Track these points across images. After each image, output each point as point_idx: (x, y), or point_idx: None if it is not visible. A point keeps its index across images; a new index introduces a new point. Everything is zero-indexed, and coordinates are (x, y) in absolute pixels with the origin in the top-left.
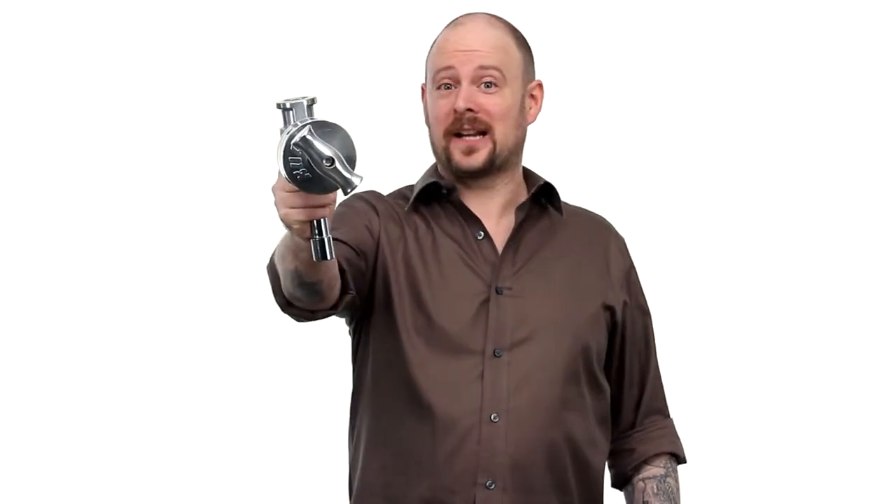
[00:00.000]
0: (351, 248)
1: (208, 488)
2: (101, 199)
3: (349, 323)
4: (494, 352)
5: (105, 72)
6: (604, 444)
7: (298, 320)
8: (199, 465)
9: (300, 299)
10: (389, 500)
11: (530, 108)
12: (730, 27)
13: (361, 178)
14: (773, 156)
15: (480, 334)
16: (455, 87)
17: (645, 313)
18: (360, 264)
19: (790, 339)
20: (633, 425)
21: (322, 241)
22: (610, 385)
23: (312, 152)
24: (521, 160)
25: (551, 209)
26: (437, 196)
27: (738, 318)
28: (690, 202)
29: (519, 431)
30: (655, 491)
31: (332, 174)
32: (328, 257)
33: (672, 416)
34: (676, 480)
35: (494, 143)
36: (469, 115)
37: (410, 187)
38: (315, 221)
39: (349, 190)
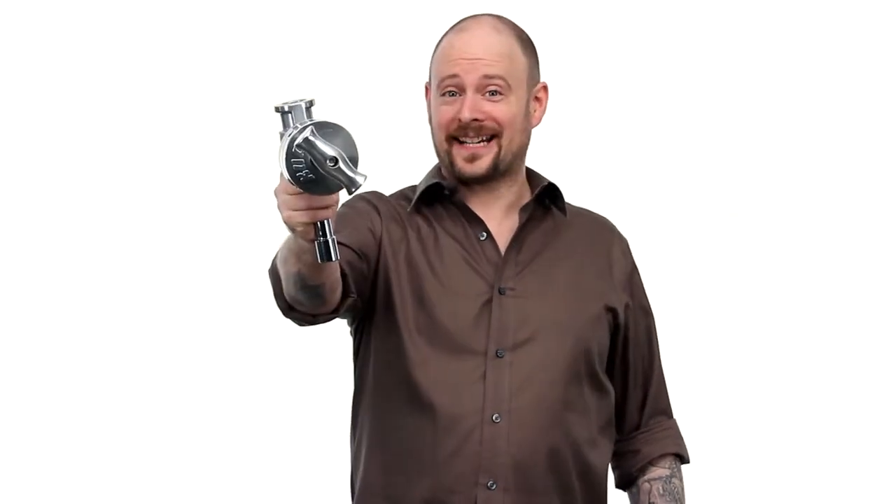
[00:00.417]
0: (353, 250)
1: (210, 488)
2: (103, 201)
3: (351, 323)
4: (497, 352)
5: (105, 72)
6: (606, 446)
7: (300, 324)
8: (200, 466)
9: (302, 303)
10: (390, 500)
11: (535, 111)
12: (730, 28)
13: (366, 177)
14: (773, 156)
15: (483, 335)
16: (460, 95)
17: (647, 314)
18: (361, 266)
19: (790, 339)
20: (637, 426)
21: (326, 242)
22: (614, 386)
23: (316, 153)
24: (524, 162)
25: (555, 210)
26: (440, 197)
27: (739, 318)
28: (690, 202)
29: (521, 432)
30: (661, 492)
31: (336, 174)
32: (332, 258)
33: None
34: (681, 480)
35: (500, 149)
36: (475, 124)
37: (413, 188)
38: (319, 223)
39: (353, 189)
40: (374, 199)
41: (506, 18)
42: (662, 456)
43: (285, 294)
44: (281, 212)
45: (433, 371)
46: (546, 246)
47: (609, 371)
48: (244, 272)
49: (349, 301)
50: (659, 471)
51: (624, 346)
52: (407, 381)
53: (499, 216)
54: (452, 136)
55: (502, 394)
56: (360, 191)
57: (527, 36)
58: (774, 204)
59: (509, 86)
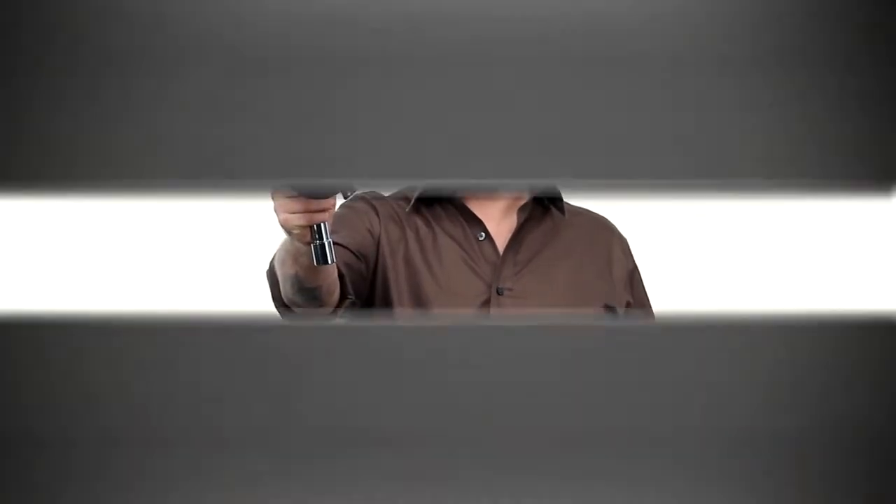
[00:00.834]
0: (351, 252)
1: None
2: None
3: None
4: None
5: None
6: None
7: None
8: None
9: (299, 305)
10: None
11: None
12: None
13: None
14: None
15: None
16: None
17: (648, 314)
18: (360, 268)
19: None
20: None
21: (322, 245)
22: None
23: None
24: None
25: (554, 210)
26: (439, 197)
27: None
28: (691, 202)
29: None
30: None
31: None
32: (329, 261)
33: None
34: None
35: None
36: None
37: (412, 188)
38: (315, 226)
39: (349, 193)
40: (372, 199)
41: None
42: None
43: (283, 296)
44: (277, 214)
45: None
46: (545, 246)
47: None
48: (242, 275)
49: (347, 302)
50: None
51: None
52: None
53: (497, 216)
54: None
55: None
56: (357, 192)
57: None
58: (774, 204)
59: None
